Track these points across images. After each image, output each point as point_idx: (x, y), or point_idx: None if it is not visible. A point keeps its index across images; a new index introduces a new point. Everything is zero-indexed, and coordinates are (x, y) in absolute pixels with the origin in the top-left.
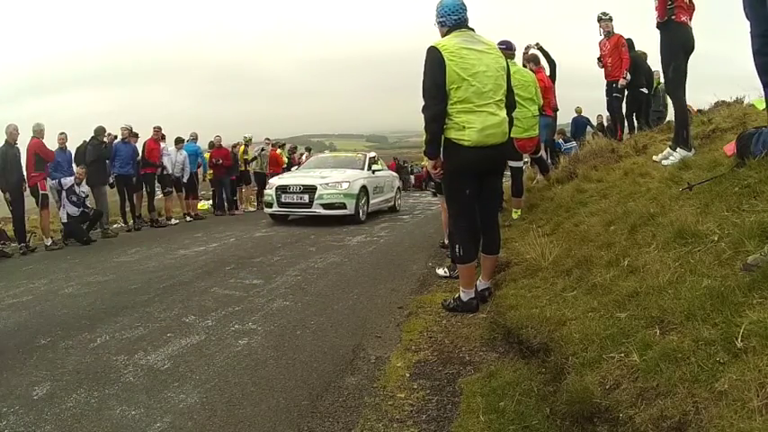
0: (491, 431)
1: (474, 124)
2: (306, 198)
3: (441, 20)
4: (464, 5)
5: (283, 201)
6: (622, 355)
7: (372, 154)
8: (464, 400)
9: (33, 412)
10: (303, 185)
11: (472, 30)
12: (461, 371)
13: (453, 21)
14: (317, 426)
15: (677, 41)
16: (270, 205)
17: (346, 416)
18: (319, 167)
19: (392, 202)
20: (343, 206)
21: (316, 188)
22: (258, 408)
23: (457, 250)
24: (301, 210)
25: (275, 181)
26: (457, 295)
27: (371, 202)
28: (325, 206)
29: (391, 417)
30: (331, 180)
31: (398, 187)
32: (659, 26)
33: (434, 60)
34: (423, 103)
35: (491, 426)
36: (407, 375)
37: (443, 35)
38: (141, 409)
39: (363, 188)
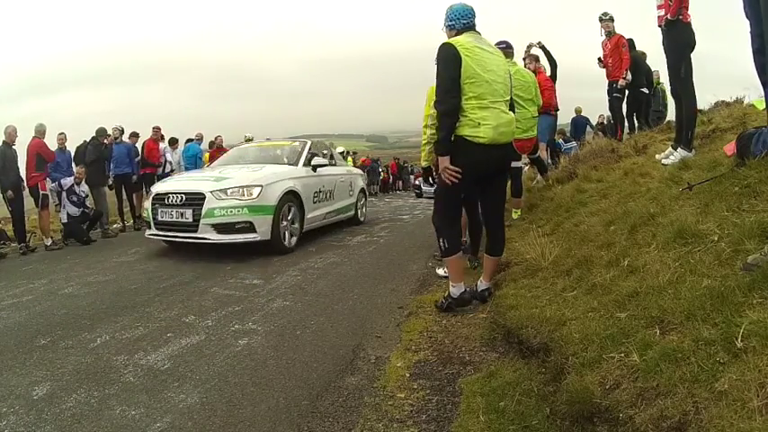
0: (491, 431)
1: (489, 121)
2: (189, 215)
3: (450, 23)
4: (473, 11)
5: (160, 219)
6: (622, 355)
7: (341, 149)
8: (464, 400)
9: (33, 412)
10: (186, 193)
11: (479, 33)
12: (461, 371)
13: (462, 24)
14: (317, 426)
15: (684, 41)
16: (149, 224)
17: (346, 416)
18: (230, 164)
19: (351, 212)
20: (250, 227)
21: (203, 198)
22: (258, 408)
23: (442, 243)
24: (183, 234)
25: (156, 187)
26: (447, 293)
27: (310, 215)
28: (219, 228)
29: (391, 417)
30: (231, 184)
31: (362, 189)
32: (667, 24)
33: (449, 55)
34: (437, 98)
35: (491, 426)
36: (407, 375)
37: (451, 38)
38: (141, 409)
39: (291, 195)
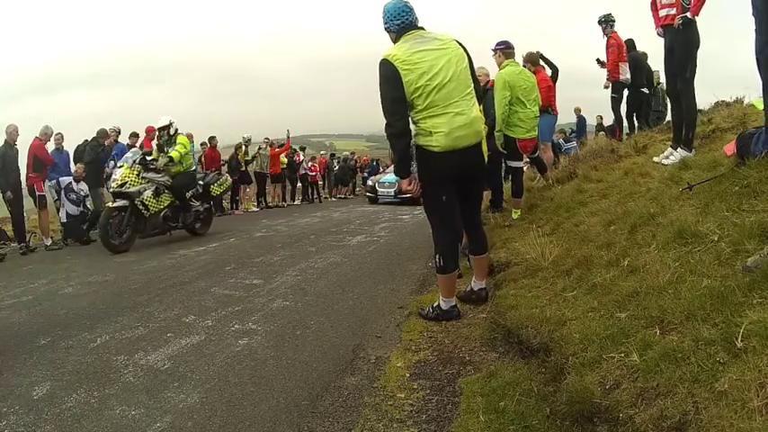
0: (491, 431)
1: (441, 128)
2: None
3: (386, 26)
4: (408, 7)
5: None
6: (622, 355)
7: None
8: (464, 400)
9: (33, 412)
10: None
11: (422, 29)
12: (461, 371)
13: (397, 26)
14: (317, 426)
15: (694, 40)
16: None
17: (346, 416)
18: None
19: None
20: None
21: None
22: (258, 408)
23: (437, 260)
24: None
25: None
26: (436, 303)
27: None
28: None
29: (391, 417)
30: None
31: None
32: (685, 23)
33: (388, 74)
34: (385, 122)
35: (491, 426)
36: (407, 375)
37: (394, 42)
38: (141, 409)
39: None
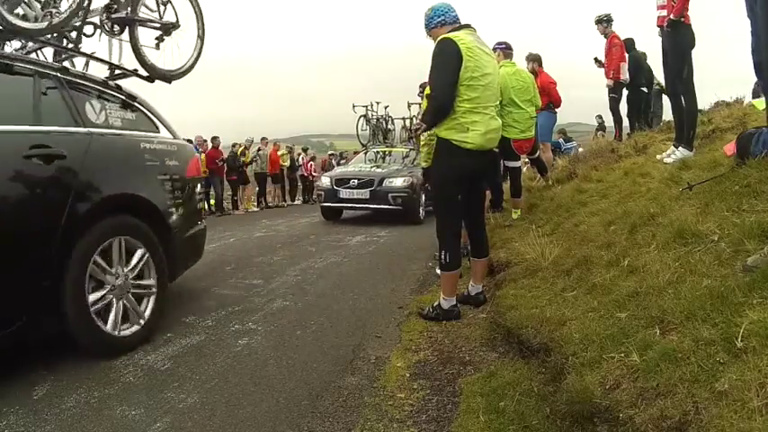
0: (491, 431)
1: (478, 127)
2: None
3: (440, 19)
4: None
5: None
6: (622, 355)
7: None
8: (464, 400)
9: (33, 412)
10: None
11: (475, 30)
12: (461, 371)
13: (453, 17)
14: (317, 426)
15: (686, 42)
16: None
17: (346, 416)
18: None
19: None
20: None
21: None
22: (258, 408)
23: (443, 257)
24: None
25: None
26: (437, 303)
27: None
28: None
29: (391, 417)
30: None
31: None
32: (670, 25)
33: (452, 53)
34: (432, 93)
35: (491, 426)
36: (407, 375)
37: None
38: (141, 409)
39: None
